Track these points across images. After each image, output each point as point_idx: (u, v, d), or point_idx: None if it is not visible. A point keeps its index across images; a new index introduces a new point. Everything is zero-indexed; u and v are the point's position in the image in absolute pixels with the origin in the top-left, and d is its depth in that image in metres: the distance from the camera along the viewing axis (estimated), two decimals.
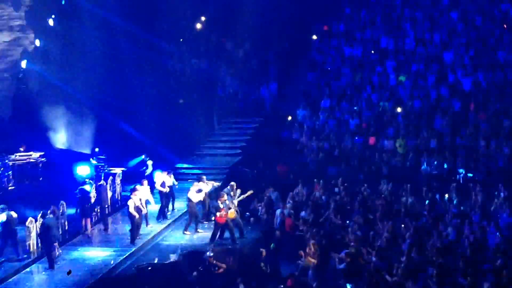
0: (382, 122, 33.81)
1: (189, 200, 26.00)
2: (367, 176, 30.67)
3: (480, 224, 22.90)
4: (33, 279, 21.83)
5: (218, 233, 24.81)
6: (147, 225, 25.96)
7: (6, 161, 29.69)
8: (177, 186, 28.64)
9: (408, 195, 26.74)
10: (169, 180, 28.10)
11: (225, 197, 25.16)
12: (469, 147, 31.01)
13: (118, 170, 29.94)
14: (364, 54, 38.19)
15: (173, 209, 28.45)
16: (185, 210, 27.74)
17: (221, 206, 24.60)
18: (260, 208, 27.13)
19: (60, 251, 23.22)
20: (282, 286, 20.45)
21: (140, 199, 25.05)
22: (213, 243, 24.08)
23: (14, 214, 22.94)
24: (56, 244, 22.84)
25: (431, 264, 19.43)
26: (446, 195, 26.89)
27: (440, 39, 37.67)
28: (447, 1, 39.84)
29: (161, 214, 27.43)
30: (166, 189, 27.63)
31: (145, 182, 26.49)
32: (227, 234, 24.93)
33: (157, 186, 27.60)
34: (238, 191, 26.60)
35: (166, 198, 27.71)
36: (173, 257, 22.96)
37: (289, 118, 35.56)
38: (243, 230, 25.26)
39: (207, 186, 26.97)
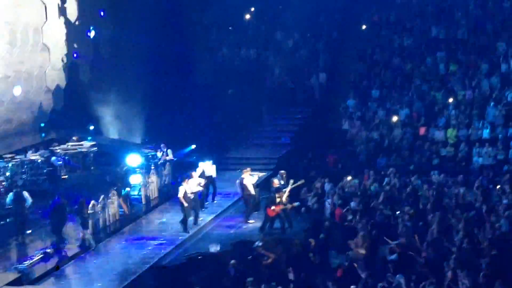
0: (433, 112, 33.48)
1: (244, 188, 25.98)
2: (418, 166, 30.41)
3: None
4: (84, 267, 22.11)
5: (268, 224, 24.81)
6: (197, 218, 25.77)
7: (59, 150, 30.16)
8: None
9: (460, 186, 26.43)
10: (210, 169, 28.01)
11: (276, 182, 25.10)
12: None
13: (168, 158, 30.06)
14: (414, 44, 37.81)
15: (213, 199, 28.12)
16: (234, 200, 27.92)
17: (277, 200, 24.48)
18: (310, 198, 27.01)
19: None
20: (331, 276, 20.41)
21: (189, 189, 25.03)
22: (262, 233, 24.09)
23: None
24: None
25: (483, 256, 19.18)
26: (498, 186, 26.51)
27: (492, 28, 37.10)
28: None
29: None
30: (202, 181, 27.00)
31: (195, 174, 26.30)
32: (276, 224, 24.93)
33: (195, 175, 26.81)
34: (291, 181, 26.32)
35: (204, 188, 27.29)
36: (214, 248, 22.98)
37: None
38: (291, 221, 25.19)
39: (252, 177, 26.77)
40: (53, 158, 29.26)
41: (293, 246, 23.03)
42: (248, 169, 26.70)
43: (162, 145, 30.68)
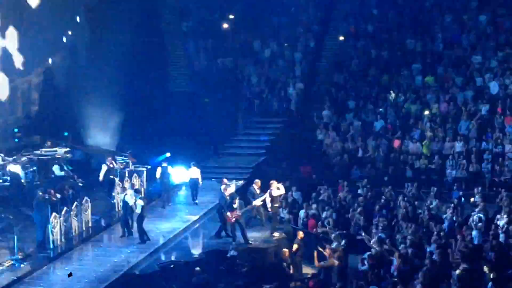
0: (408, 124, 33.63)
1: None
2: (392, 178, 30.52)
3: (505, 229, 22.67)
4: (56, 274, 21.96)
5: (227, 230, 24.66)
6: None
7: (32, 156, 29.92)
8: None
9: (433, 198, 26.57)
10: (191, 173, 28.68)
11: (237, 201, 24.62)
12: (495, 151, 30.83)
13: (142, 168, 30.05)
14: (390, 56, 37.97)
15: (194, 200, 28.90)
16: (209, 208, 27.93)
17: (235, 206, 24.18)
18: (282, 208, 26.87)
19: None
20: (304, 286, 20.43)
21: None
22: (234, 242, 23.98)
23: None
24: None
25: (455, 269, 19.25)
26: (471, 199, 26.69)
27: (468, 41, 37.36)
28: (476, 4, 39.45)
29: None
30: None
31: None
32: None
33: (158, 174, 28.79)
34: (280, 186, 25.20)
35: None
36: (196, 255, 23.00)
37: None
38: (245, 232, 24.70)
39: (230, 187, 26.48)
40: (55, 166, 29.16)
41: (267, 256, 23.05)
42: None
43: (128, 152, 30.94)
